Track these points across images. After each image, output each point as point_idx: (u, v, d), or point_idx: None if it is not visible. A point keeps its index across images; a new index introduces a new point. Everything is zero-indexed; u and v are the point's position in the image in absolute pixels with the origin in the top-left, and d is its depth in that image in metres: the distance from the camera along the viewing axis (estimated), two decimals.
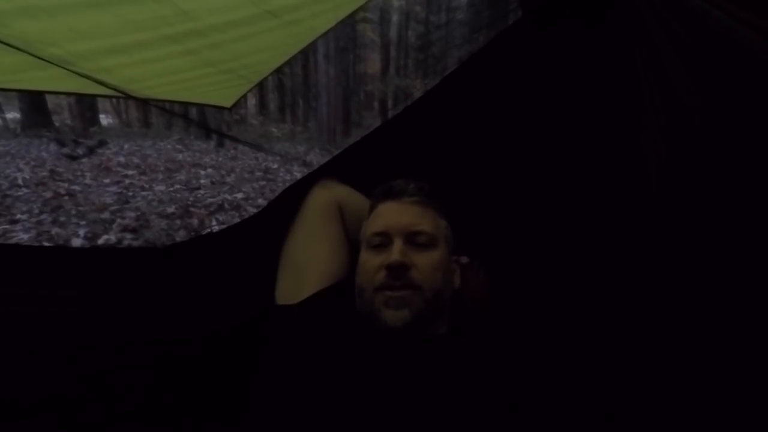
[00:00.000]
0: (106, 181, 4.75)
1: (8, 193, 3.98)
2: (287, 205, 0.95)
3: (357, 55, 15.33)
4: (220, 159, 7.02)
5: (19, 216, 3.36)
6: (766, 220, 0.70)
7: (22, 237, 2.95)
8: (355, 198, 0.94)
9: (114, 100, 13.92)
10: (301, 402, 0.64)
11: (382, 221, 0.77)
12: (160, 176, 5.28)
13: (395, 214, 0.77)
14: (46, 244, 2.87)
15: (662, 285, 0.81)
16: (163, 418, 0.80)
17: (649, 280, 0.83)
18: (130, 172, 5.33)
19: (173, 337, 0.84)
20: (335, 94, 9.99)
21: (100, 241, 3.01)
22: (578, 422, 0.74)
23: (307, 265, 0.85)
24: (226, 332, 0.87)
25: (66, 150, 5.75)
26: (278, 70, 1.81)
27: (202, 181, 5.16)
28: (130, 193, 4.31)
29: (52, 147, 6.55)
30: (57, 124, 9.85)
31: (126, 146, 7.80)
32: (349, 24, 11.76)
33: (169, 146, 8.34)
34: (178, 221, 3.52)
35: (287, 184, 0.99)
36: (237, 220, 3.43)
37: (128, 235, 3.15)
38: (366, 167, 1.02)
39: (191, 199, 4.28)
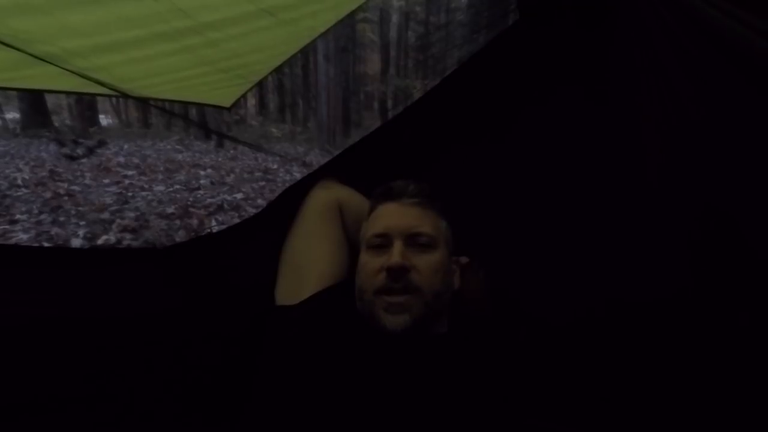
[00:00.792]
0: (106, 181, 4.75)
1: (8, 193, 3.98)
2: (287, 206, 0.95)
3: (357, 56, 15.34)
4: (220, 159, 7.02)
5: (18, 216, 3.35)
6: (765, 219, 0.70)
7: (22, 237, 2.94)
8: (355, 198, 0.94)
9: (113, 101, 13.94)
10: (300, 402, 0.64)
11: (382, 222, 0.77)
12: (160, 176, 5.27)
13: (395, 215, 0.77)
14: (45, 244, 2.86)
15: (662, 285, 0.81)
16: (162, 418, 0.80)
17: (649, 280, 0.83)
18: (129, 173, 5.33)
19: (173, 337, 0.84)
20: (335, 94, 9.99)
21: (100, 242, 3.01)
22: (578, 422, 0.74)
23: (306, 265, 0.85)
24: (226, 333, 0.87)
25: (65, 150, 5.74)
26: (278, 71, 1.80)
27: (202, 181, 5.16)
28: (130, 194, 4.30)
29: (52, 147, 6.54)
30: (56, 124, 9.84)
31: (126, 146, 7.80)
32: (348, 24, 11.77)
33: (168, 147, 8.34)
34: (177, 221, 3.52)
35: (287, 185, 0.99)
36: (237, 220, 3.43)
37: (128, 236, 3.15)
38: (366, 168, 1.02)
39: (191, 199, 4.27)
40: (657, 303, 0.81)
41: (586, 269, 0.90)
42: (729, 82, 0.73)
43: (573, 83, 0.98)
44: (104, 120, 13.98)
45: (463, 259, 0.87)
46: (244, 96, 1.87)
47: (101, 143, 6.62)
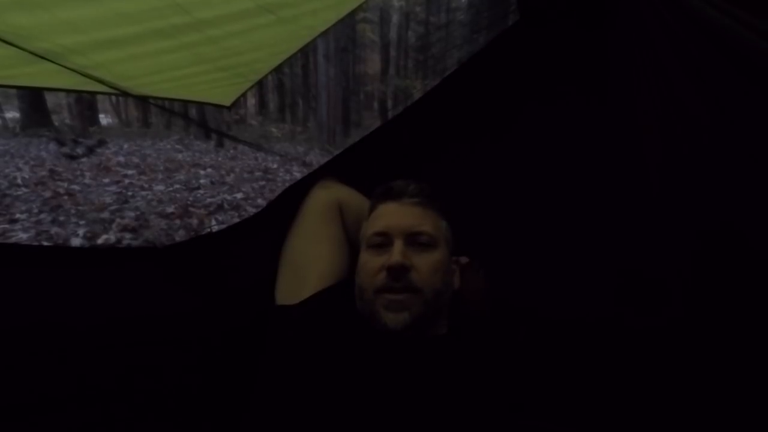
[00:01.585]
0: (106, 180, 4.75)
1: (7, 192, 3.98)
2: (287, 206, 0.95)
3: (357, 56, 15.34)
4: (220, 159, 7.02)
5: (18, 215, 3.35)
6: (766, 220, 0.70)
7: (21, 236, 2.94)
8: (355, 198, 0.94)
9: (113, 100, 13.93)
10: (300, 403, 0.64)
11: (383, 221, 0.77)
12: (160, 176, 5.27)
13: (396, 215, 0.77)
14: (45, 243, 2.86)
15: (662, 285, 0.81)
16: (162, 418, 0.79)
17: (649, 280, 0.83)
18: (129, 172, 5.33)
19: (172, 337, 0.84)
20: (335, 94, 9.99)
21: (100, 241, 3.01)
22: (578, 423, 0.74)
23: (306, 265, 0.85)
24: (226, 332, 0.87)
25: (65, 149, 5.74)
26: (278, 70, 1.80)
27: (202, 181, 5.16)
28: (130, 193, 4.30)
29: (52, 146, 6.54)
30: (56, 123, 9.84)
31: (125, 146, 7.80)
32: (348, 24, 11.77)
33: (168, 146, 8.34)
34: (177, 221, 3.52)
35: (287, 184, 0.99)
36: (236, 220, 3.43)
37: (127, 235, 3.15)
38: (366, 168, 1.02)
39: (191, 198, 4.27)
40: (657, 303, 0.81)
41: (585, 269, 0.91)
42: (729, 83, 0.73)
43: (573, 83, 0.98)
44: (104, 119, 13.98)
45: (463, 259, 0.87)
46: (244, 95, 1.87)
47: (101, 143, 6.62)
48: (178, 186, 4.79)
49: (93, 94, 4.41)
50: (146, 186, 4.68)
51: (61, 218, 3.36)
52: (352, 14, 1.53)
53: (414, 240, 0.75)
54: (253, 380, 0.74)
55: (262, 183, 5.31)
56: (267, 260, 0.90)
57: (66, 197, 3.94)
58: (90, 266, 0.84)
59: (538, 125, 1.02)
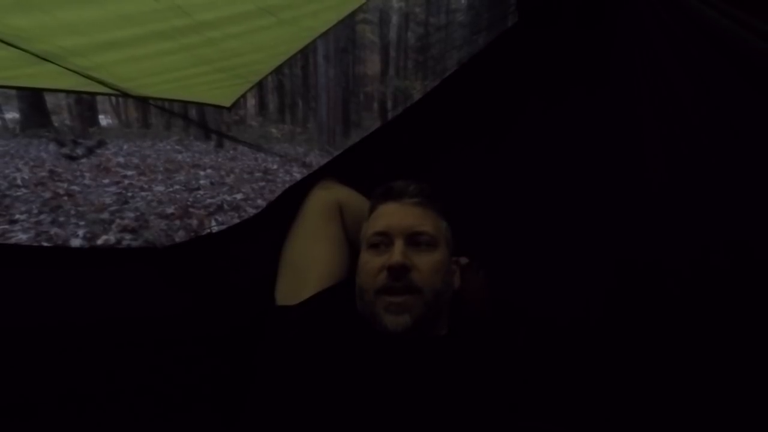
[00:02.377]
0: (106, 181, 4.75)
1: (7, 193, 3.97)
2: (287, 206, 0.95)
3: (356, 57, 15.35)
4: (220, 160, 7.02)
5: (18, 216, 3.35)
6: (766, 219, 0.70)
7: (21, 237, 2.94)
8: (355, 199, 0.94)
9: (113, 101, 13.94)
10: (300, 403, 0.64)
11: (383, 221, 0.77)
12: (160, 177, 5.27)
13: (396, 215, 0.77)
14: (45, 244, 2.86)
15: (662, 285, 0.81)
16: (162, 418, 0.79)
17: (649, 280, 0.83)
18: (129, 173, 5.33)
19: (172, 337, 0.84)
20: (335, 95, 9.99)
21: (99, 242, 3.01)
22: (577, 424, 0.74)
23: (307, 265, 0.85)
24: (226, 333, 0.87)
25: (65, 150, 5.74)
26: (277, 71, 1.81)
27: (202, 181, 5.15)
28: (129, 194, 4.30)
29: (52, 147, 6.54)
30: (56, 124, 9.84)
31: (125, 147, 7.80)
32: (348, 25, 11.78)
33: (168, 147, 8.34)
34: (177, 222, 3.51)
35: (286, 185, 0.99)
36: (236, 220, 3.42)
37: (127, 236, 3.14)
38: (366, 168, 1.02)
39: (190, 199, 4.27)
40: (657, 304, 0.81)
41: (585, 270, 0.91)
42: (729, 83, 0.73)
43: (573, 84, 0.98)
44: (104, 120, 13.98)
45: (463, 260, 0.87)
46: (244, 96, 1.87)
47: (101, 143, 6.62)
48: (177, 187, 4.79)
49: (93, 95, 4.41)
50: (146, 187, 4.68)
51: (61, 219, 3.36)
52: (351, 15, 1.53)
53: (414, 240, 0.75)
54: (252, 381, 0.74)
55: (262, 184, 5.31)
56: (267, 261, 0.90)
57: (66, 198, 3.94)
58: (90, 267, 0.84)
59: (537, 126, 1.02)
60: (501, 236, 0.98)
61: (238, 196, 4.50)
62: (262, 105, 16.62)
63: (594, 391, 0.80)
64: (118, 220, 3.41)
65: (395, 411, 0.61)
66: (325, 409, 0.62)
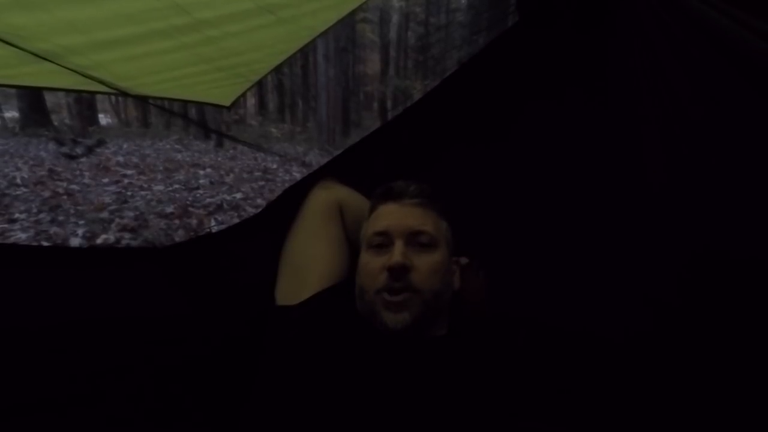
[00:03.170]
0: (105, 180, 4.74)
1: (7, 192, 3.97)
2: (287, 206, 0.95)
3: (356, 56, 15.33)
4: (219, 159, 7.01)
5: (17, 215, 3.35)
6: (766, 220, 0.70)
7: (21, 236, 2.94)
8: (355, 199, 0.94)
9: (113, 100, 13.92)
10: (300, 403, 0.64)
11: (383, 221, 0.77)
12: (159, 176, 5.26)
13: (396, 215, 0.77)
14: (44, 243, 2.86)
15: (662, 286, 0.81)
16: (162, 418, 0.79)
17: (649, 281, 0.83)
18: (128, 172, 5.32)
19: (172, 337, 0.84)
20: (334, 94, 9.98)
21: (99, 241, 3.00)
22: (577, 424, 0.74)
23: (307, 265, 0.85)
24: (226, 333, 0.87)
25: (65, 149, 5.72)
26: (277, 70, 1.81)
27: (201, 181, 5.15)
28: (129, 193, 4.30)
29: (51, 146, 6.53)
30: (56, 123, 9.83)
31: (125, 146, 7.79)
32: (348, 24, 11.76)
33: (167, 146, 8.33)
34: (176, 221, 3.51)
35: (286, 185, 0.99)
36: (236, 220, 3.43)
37: (127, 235, 3.14)
38: (366, 168, 1.02)
39: (190, 199, 4.27)
40: (657, 305, 0.81)
41: (585, 271, 0.90)
42: (728, 83, 0.73)
43: (573, 84, 0.98)
44: (103, 119, 13.97)
45: (463, 260, 0.87)
46: (243, 95, 1.87)
47: (100, 142, 6.60)
48: (177, 186, 4.79)
49: (92, 93, 4.40)
50: (145, 186, 4.67)
51: (60, 218, 3.36)
52: (351, 14, 1.53)
53: (414, 240, 0.74)
54: (253, 381, 0.74)
55: (262, 183, 5.30)
56: (267, 261, 0.90)
57: (65, 197, 3.94)
58: (89, 266, 0.84)
59: (537, 126, 1.02)
60: (501, 236, 0.98)
61: (238, 196, 4.50)
62: (261, 104, 16.61)
63: (593, 391, 0.79)
64: (117, 220, 3.40)
65: (395, 410, 0.61)
66: (325, 409, 0.62)
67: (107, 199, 3.97)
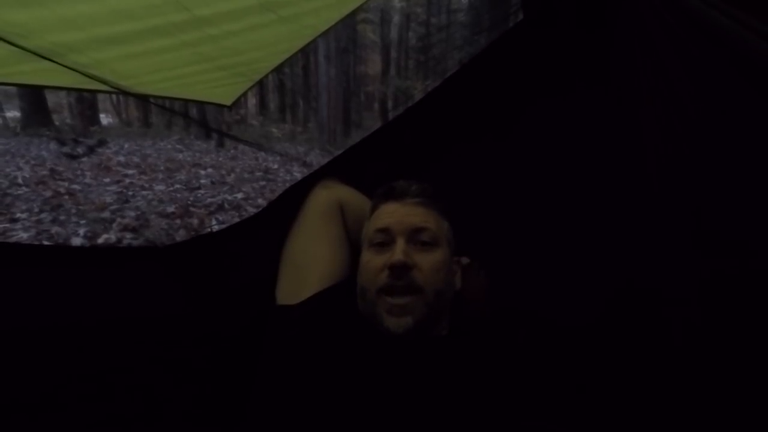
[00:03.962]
0: (106, 180, 4.75)
1: (8, 191, 3.98)
2: (288, 206, 0.95)
3: (357, 56, 15.33)
4: (220, 159, 7.02)
5: (18, 215, 3.35)
6: (766, 221, 0.70)
7: (22, 236, 2.94)
8: (356, 198, 0.94)
9: (114, 100, 13.94)
10: (301, 403, 0.64)
11: (385, 220, 0.77)
12: (160, 176, 5.27)
13: (397, 213, 0.77)
14: (45, 243, 2.86)
15: (663, 286, 0.81)
16: (162, 418, 0.79)
17: (650, 281, 0.83)
18: (130, 172, 5.33)
19: (173, 337, 0.84)
20: (335, 94, 9.99)
21: (100, 241, 3.01)
22: (577, 424, 0.74)
23: (307, 265, 0.85)
24: (226, 333, 0.87)
25: (66, 149, 5.74)
26: (278, 70, 1.81)
27: (202, 180, 5.16)
28: (130, 193, 4.30)
29: (52, 146, 6.54)
30: (57, 123, 9.85)
31: (126, 145, 7.80)
32: (349, 25, 11.77)
33: (169, 146, 8.34)
34: (178, 221, 3.52)
35: (287, 185, 0.99)
36: (237, 220, 3.42)
37: (128, 235, 3.14)
38: (367, 168, 1.02)
39: (191, 198, 4.27)
40: (657, 304, 0.81)
41: (586, 270, 0.90)
42: (730, 84, 0.73)
43: (573, 84, 0.98)
44: (105, 119, 13.99)
45: (465, 260, 0.87)
46: (244, 94, 1.87)
47: (101, 142, 6.62)
48: (178, 186, 4.79)
49: (93, 92, 4.40)
50: (147, 186, 4.68)
51: (62, 218, 3.36)
52: (352, 15, 1.53)
53: (416, 238, 0.74)
54: (253, 380, 0.74)
55: (263, 183, 5.30)
56: (268, 260, 0.90)
57: (66, 197, 3.94)
58: (90, 266, 0.84)
59: (539, 126, 1.02)
60: (502, 236, 0.98)
61: (239, 196, 4.50)
62: (262, 104, 16.63)
63: (594, 391, 0.79)
64: (118, 219, 3.41)
65: (396, 411, 0.61)
66: (326, 409, 0.62)
67: (108, 199, 3.98)
